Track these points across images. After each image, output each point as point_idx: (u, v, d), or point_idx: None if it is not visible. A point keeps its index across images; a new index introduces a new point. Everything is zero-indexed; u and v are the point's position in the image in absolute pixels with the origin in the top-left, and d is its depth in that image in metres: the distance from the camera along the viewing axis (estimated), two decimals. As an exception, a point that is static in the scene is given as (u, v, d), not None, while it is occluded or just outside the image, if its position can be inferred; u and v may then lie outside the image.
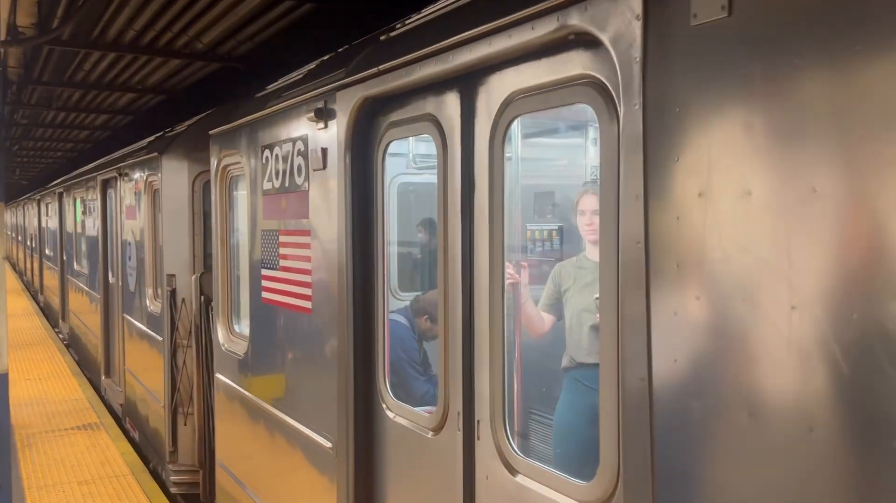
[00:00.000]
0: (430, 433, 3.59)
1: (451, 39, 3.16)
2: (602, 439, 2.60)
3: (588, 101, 2.64)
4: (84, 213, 14.06)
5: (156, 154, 8.16)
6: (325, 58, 5.15)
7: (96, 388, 12.36)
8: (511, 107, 3.01)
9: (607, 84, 2.54)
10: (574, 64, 2.67)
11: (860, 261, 1.75)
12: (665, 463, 2.22)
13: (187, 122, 8.69)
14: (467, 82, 3.27)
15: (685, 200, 2.15)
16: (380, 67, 3.67)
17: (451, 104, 3.38)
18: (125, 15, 7.53)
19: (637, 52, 2.26)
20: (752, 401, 1.99)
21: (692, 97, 2.11)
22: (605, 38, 2.39)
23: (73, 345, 16.01)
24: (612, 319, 2.53)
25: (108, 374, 11.83)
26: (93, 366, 13.17)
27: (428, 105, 3.55)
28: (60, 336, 17.62)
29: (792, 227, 1.87)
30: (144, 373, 9.23)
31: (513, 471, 3.06)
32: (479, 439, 3.27)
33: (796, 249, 1.86)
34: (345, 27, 6.39)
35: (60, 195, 17.76)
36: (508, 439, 3.11)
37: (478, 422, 3.27)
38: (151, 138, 9.73)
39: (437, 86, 3.45)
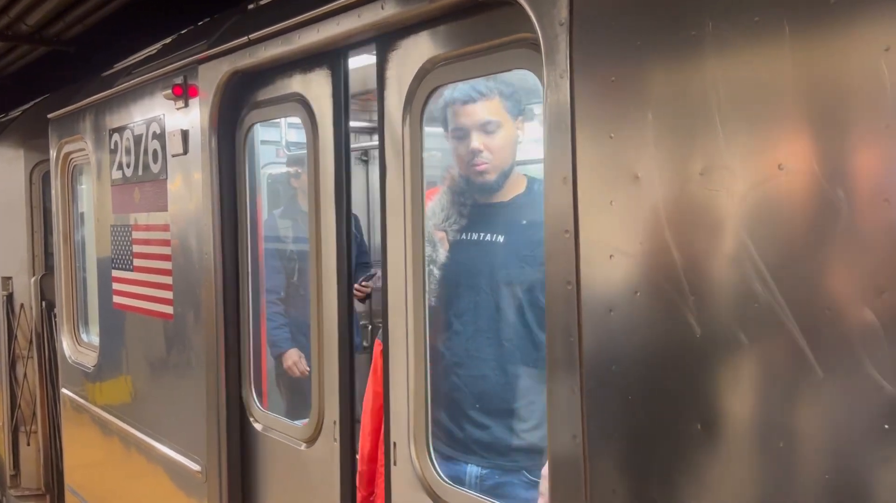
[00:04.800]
0: (304, 445, 3.24)
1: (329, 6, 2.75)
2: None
3: (529, 67, 2.29)
4: None
5: (-15, 142, 7.24)
6: (184, 31, 4.59)
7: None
8: (431, 76, 2.62)
9: None
10: (509, 24, 2.30)
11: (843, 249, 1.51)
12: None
13: (23, 107, 7.78)
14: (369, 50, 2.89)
15: (620, 182, 1.86)
16: (250, 36, 3.21)
17: (320, 81, 3.01)
18: (-65, -8, 6.67)
19: (563, 12, 1.95)
20: (705, 413, 1.73)
21: (632, 63, 1.82)
22: (521, -3, 2.07)
23: None
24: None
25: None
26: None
27: (295, 83, 3.15)
28: None
29: (754, 210, 1.62)
30: (-22, 389, 8.23)
31: (439, 501, 2.70)
32: (395, 464, 2.88)
33: (761, 236, 1.61)
34: (185, 10, 5.89)
35: None
36: (433, 464, 2.73)
37: (394, 444, 2.88)
38: (-20, 125, 8.69)
39: (309, 59, 3.05)
